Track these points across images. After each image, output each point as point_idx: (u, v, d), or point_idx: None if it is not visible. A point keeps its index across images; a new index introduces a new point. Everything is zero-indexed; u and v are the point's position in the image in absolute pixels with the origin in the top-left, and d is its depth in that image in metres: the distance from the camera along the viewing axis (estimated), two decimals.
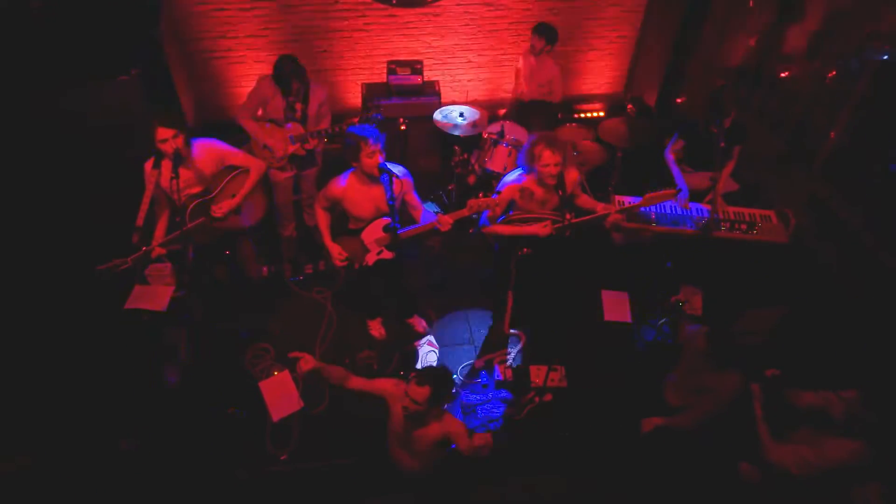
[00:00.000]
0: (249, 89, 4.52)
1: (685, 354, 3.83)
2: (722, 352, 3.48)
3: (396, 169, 3.82)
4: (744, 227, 4.28)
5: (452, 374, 4.25)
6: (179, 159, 3.70)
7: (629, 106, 6.69)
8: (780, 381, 3.31)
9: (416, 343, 4.63)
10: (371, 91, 5.98)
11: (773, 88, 5.31)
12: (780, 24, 5.13)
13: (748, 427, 3.30)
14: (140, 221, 3.68)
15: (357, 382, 3.30)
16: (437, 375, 3.08)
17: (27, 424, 3.86)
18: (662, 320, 4.60)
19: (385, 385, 3.28)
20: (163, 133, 3.64)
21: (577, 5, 6.20)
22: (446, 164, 5.94)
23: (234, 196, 4.04)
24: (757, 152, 4.96)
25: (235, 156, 4.05)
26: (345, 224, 4.09)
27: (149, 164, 3.78)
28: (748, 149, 4.54)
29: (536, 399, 4.26)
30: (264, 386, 3.82)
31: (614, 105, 6.96)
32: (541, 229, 3.92)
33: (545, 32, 5.27)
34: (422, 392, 2.99)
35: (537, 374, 4.36)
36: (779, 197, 4.82)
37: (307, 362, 3.16)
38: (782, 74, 5.20)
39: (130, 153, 3.92)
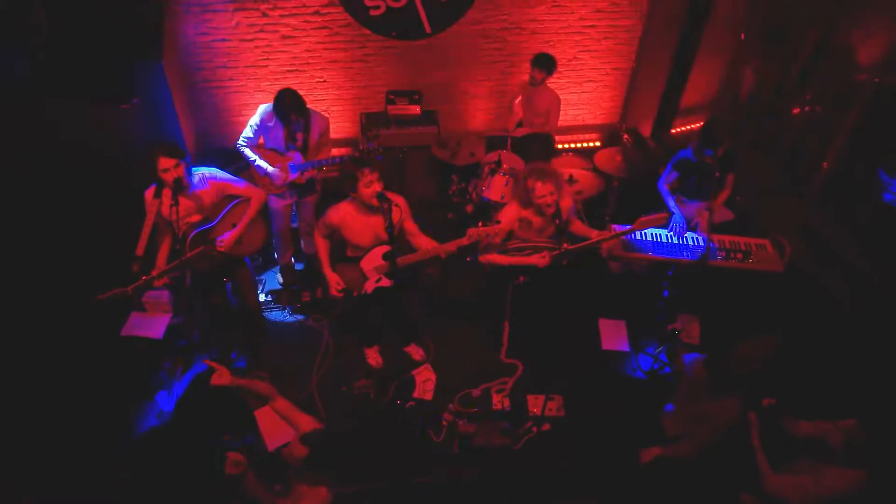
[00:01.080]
0: (250, 118, 4.57)
1: (683, 383, 3.82)
2: (720, 380, 3.47)
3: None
4: (739, 255, 4.31)
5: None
6: (180, 188, 3.73)
7: (625, 136, 6.77)
8: (776, 411, 3.31)
9: (413, 371, 4.62)
10: (370, 120, 6.04)
11: (767, 117, 5.40)
12: (772, 55, 5.24)
13: (747, 456, 3.29)
14: (140, 251, 3.69)
15: (282, 406, 3.06)
16: (323, 444, 2.90)
17: (23, 449, 3.82)
18: (660, 349, 4.60)
19: (303, 423, 2.99)
20: (164, 162, 3.68)
21: (572, 38, 6.32)
22: (444, 192, 5.99)
23: (234, 225, 4.05)
24: (751, 180, 5.01)
25: (236, 185, 4.08)
26: (343, 251, 4.11)
27: (150, 193, 3.82)
28: (742, 177, 4.58)
29: (534, 429, 4.24)
30: (259, 415, 3.81)
31: (610, 135, 7.04)
32: (539, 260, 3.95)
33: (544, 64, 5.33)
34: (301, 451, 2.87)
35: (535, 404, 4.34)
36: (773, 224, 4.86)
37: (220, 376, 2.91)
38: (776, 104, 5.30)
39: (132, 181, 3.95)
